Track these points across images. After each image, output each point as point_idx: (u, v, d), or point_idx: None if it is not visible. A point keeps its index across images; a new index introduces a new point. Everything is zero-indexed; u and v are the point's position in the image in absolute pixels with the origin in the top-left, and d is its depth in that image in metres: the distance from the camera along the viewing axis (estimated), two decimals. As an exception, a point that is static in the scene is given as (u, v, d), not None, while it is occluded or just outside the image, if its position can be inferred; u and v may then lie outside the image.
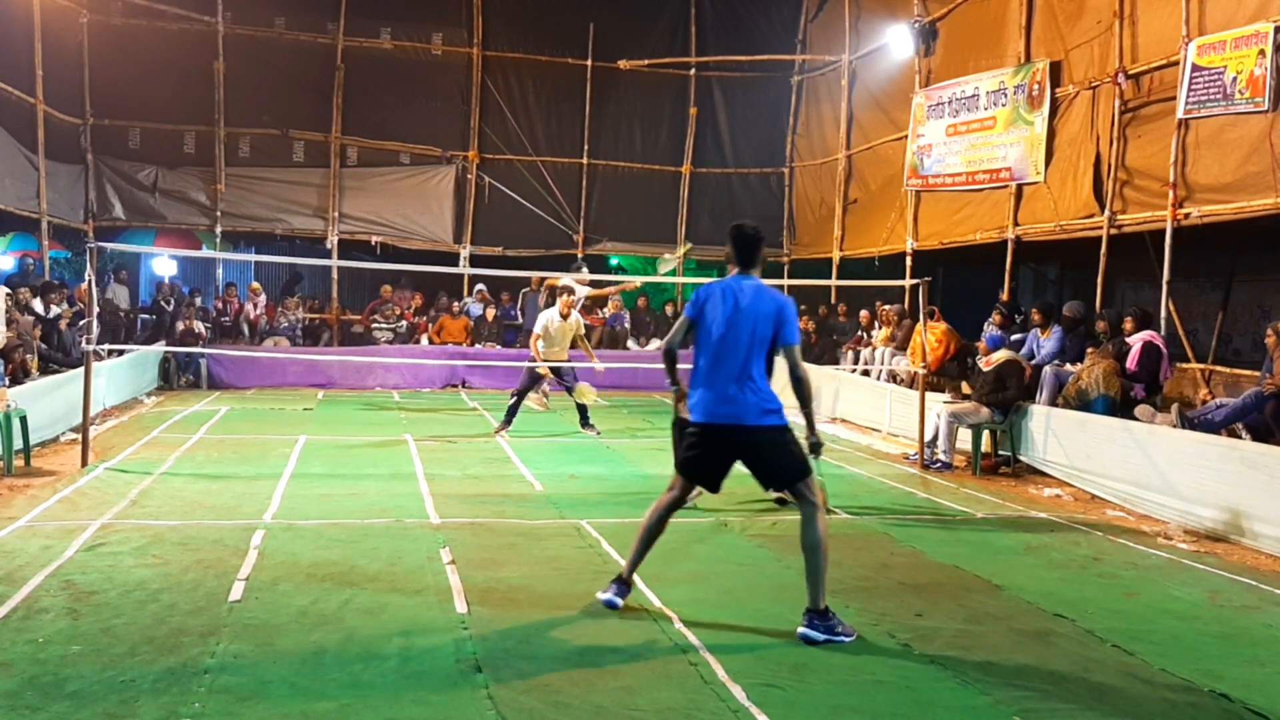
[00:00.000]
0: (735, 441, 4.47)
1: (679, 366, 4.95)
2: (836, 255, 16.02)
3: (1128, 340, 8.82)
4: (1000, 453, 9.28)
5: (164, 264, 18.33)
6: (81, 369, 8.45)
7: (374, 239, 16.60)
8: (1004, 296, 11.67)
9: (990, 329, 9.85)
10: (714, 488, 4.68)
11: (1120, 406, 8.36)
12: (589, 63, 17.19)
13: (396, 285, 16.56)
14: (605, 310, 16.30)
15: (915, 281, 10.57)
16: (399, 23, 16.76)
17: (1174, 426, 7.58)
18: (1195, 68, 9.13)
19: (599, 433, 10.34)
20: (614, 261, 19.72)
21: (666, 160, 17.82)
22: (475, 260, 16.68)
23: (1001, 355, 9.22)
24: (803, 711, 3.66)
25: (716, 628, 4.48)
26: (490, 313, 15.98)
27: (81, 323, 10.39)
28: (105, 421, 10.48)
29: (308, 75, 16.36)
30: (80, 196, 15.47)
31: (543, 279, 10.53)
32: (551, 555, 5.70)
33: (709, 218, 18.00)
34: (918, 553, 6.03)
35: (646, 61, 17.17)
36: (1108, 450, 7.89)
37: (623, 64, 17.11)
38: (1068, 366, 9.32)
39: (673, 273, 9.79)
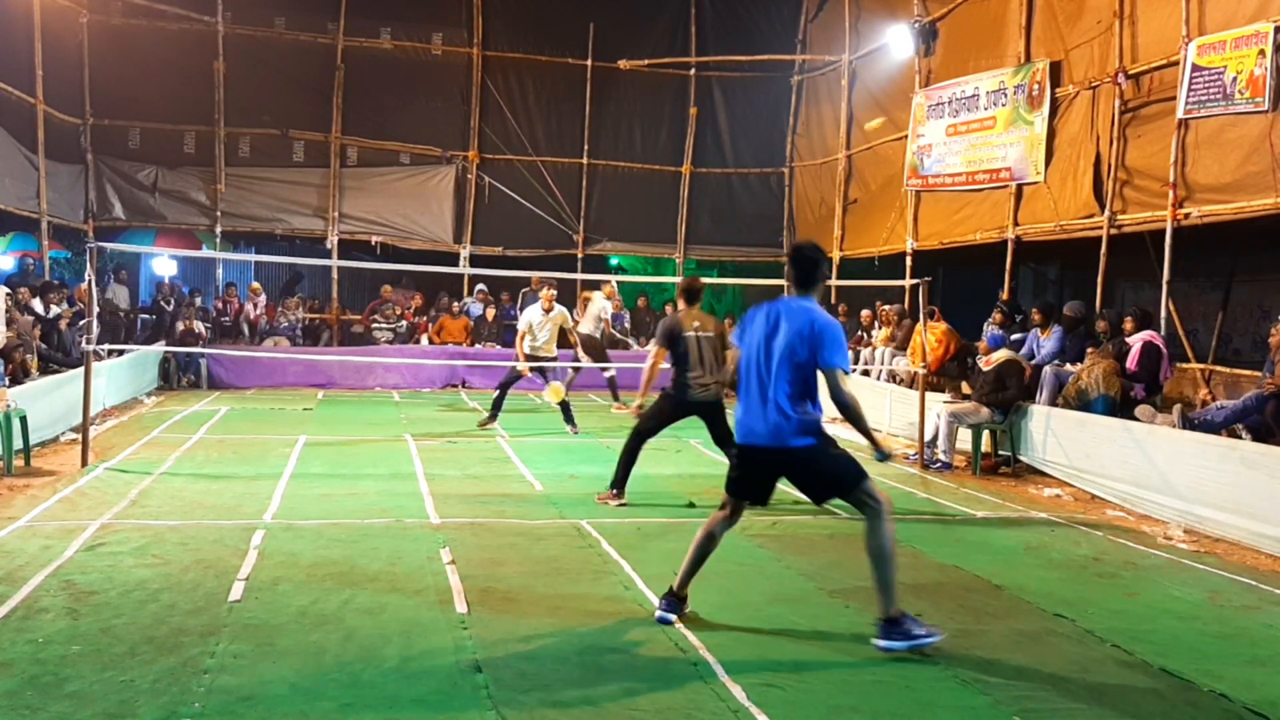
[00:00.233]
0: (773, 461, 4.42)
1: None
2: (836, 255, 16.02)
3: (1128, 340, 8.82)
4: (1000, 453, 9.28)
5: (164, 264, 18.33)
6: (81, 369, 8.45)
7: (374, 239, 16.60)
8: (1004, 296, 11.68)
9: (991, 328, 9.85)
10: (764, 502, 4.62)
11: (1120, 406, 8.36)
12: (589, 63, 17.18)
13: (397, 285, 16.57)
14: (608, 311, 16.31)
15: (915, 281, 10.57)
16: (399, 23, 16.76)
17: (1174, 427, 7.58)
18: (1195, 68, 9.13)
19: (576, 431, 10.40)
20: (614, 261, 19.72)
21: (666, 160, 17.82)
22: (475, 260, 16.68)
23: (1001, 355, 9.22)
24: (803, 711, 3.66)
25: (716, 628, 4.48)
26: (490, 313, 15.99)
27: (81, 323, 10.40)
28: (105, 421, 10.48)
29: (308, 75, 16.36)
30: (80, 196, 15.47)
31: (542, 281, 10.70)
32: (551, 555, 5.70)
33: (709, 218, 18.03)
34: (918, 553, 6.03)
35: (646, 61, 17.17)
36: (1108, 450, 7.89)
37: (623, 64, 17.11)
38: (1068, 366, 9.32)
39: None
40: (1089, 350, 9.26)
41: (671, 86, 17.70)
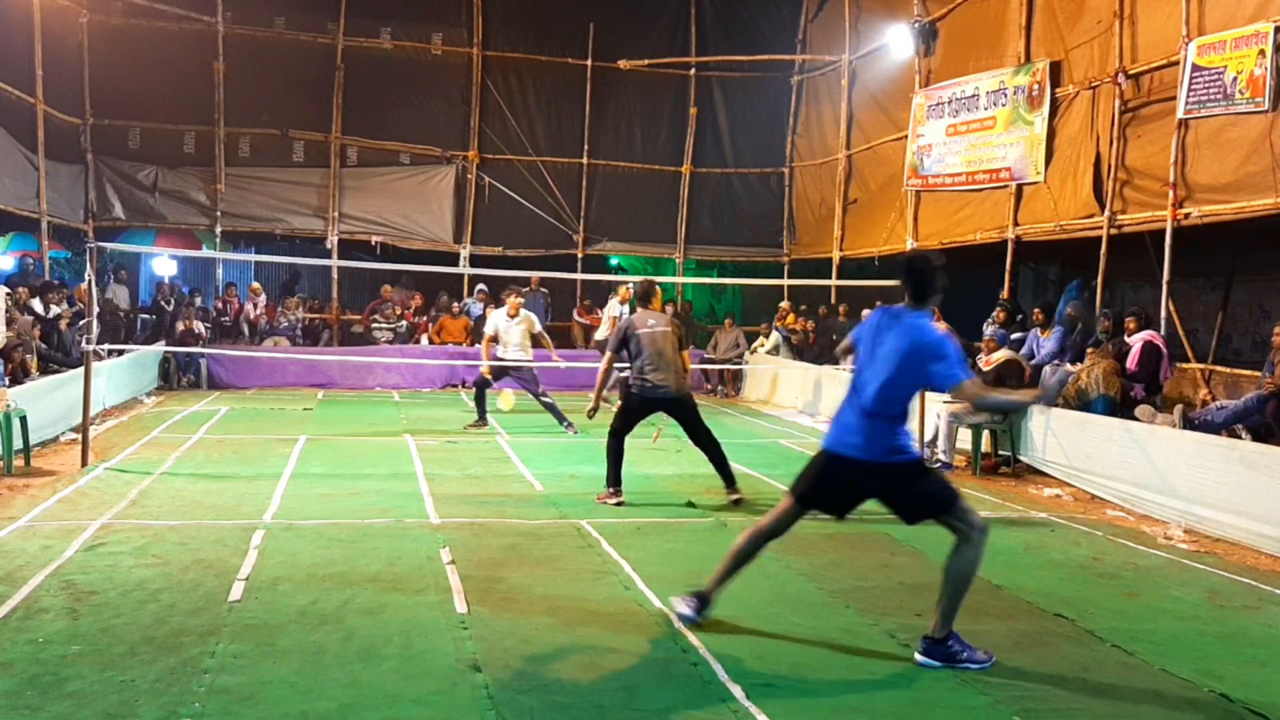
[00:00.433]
0: (862, 475, 4.25)
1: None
2: (836, 255, 16.02)
3: (1128, 340, 8.82)
4: (1000, 453, 9.28)
5: (164, 264, 18.33)
6: (81, 369, 8.45)
7: (374, 239, 16.61)
8: (1004, 295, 11.68)
9: (992, 327, 9.86)
10: (837, 514, 4.46)
11: (1120, 406, 8.36)
12: (589, 63, 17.19)
13: (396, 284, 16.56)
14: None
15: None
16: (399, 23, 16.76)
17: (1175, 427, 7.58)
18: (1195, 68, 9.13)
19: (575, 431, 10.42)
20: (614, 261, 19.73)
21: (666, 160, 17.82)
22: (475, 260, 16.68)
23: (1001, 355, 9.23)
24: (803, 711, 3.66)
25: (716, 628, 4.47)
26: (490, 313, 15.96)
27: (81, 323, 10.40)
28: (105, 421, 10.48)
29: (308, 75, 16.36)
30: (80, 196, 15.47)
31: (513, 289, 11.08)
32: (551, 555, 5.70)
33: (709, 218, 18.04)
34: (918, 553, 6.02)
35: (646, 61, 17.17)
36: (1108, 450, 7.89)
37: (623, 64, 17.11)
38: (1068, 366, 9.32)
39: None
40: (1089, 350, 9.27)
41: (671, 86, 17.70)
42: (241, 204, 16.14)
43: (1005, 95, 12.02)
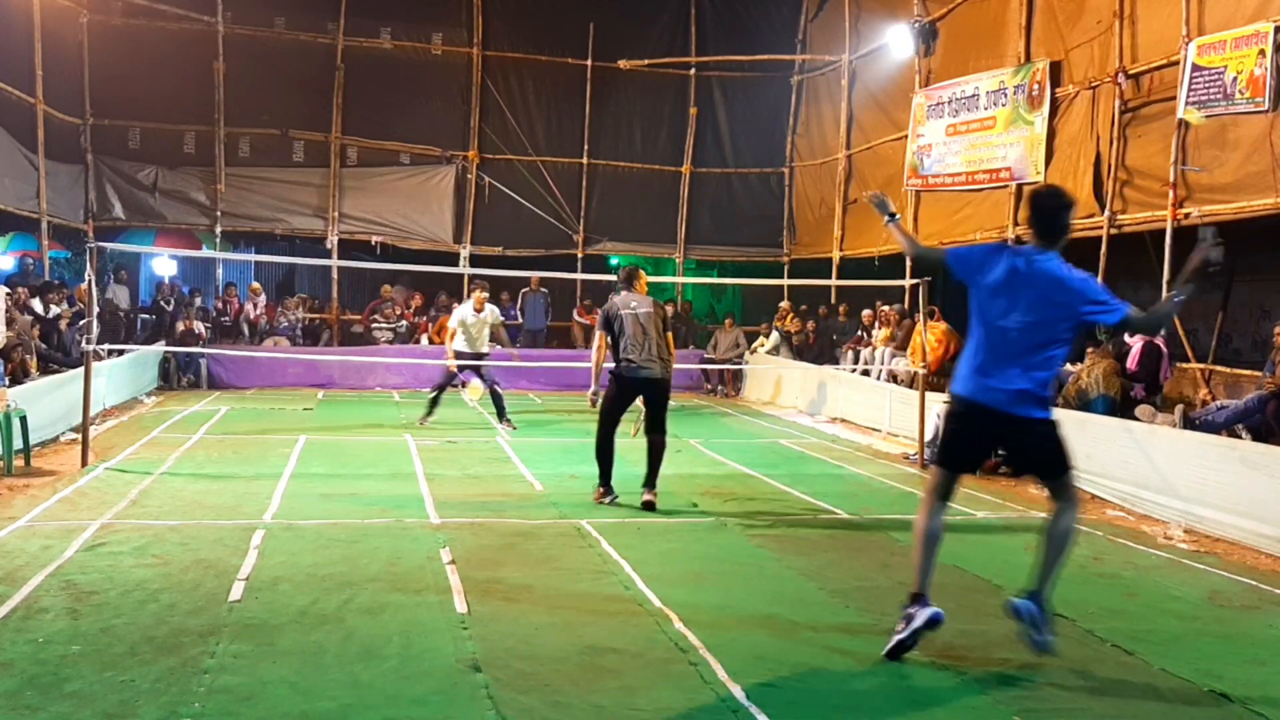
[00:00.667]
0: (1003, 428, 4.09)
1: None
2: (836, 255, 16.03)
3: (1128, 340, 8.82)
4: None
5: (164, 264, 18.33)
6: (81, 369, 8.45)
7: (374, 239, 16.60)
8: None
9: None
10: (972, 469, 4.36)
11: (1120, 406, 8.36)
12: (589, 63, 17.19)
13: (395, 284, 16.55)
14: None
15: (915, 281, 10.57)
16: (399, 23, 16.76)
17: (1175, 427, 7.58)
18: (1195, 68, 9.13)
19: (515, 428, 10.62)
20: (614, 261, 19.72)
21: (666, 160, 17.82)
22: (475, 260, 16.68)
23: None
24: (803, 711, 3.66)
25: (716, 628, 4.47)
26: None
27: (81, 323, 10.40)
28: (105, 421, 10.48)
29: (308, 75, 16.35)
30: (80, 196, 15.47)
31: (477, 283, 11.36)
32: (551, 555, 5.70)
33: (709, 218, 18.03)
34: (918, 553, 6.02)
35: (646, 61, 17.17)
36: (1108, 450, 7.89)
37: (623, 64, 17.11)
38: (1068, 366, 9.31)
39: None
40: (1089, 350, 9.27)
41: (671, 86, 17.70)
42: (241, 204, 16.14)
43: (1005, 95, 12.02)
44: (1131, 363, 8.61)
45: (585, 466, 8.53)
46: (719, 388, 15.69)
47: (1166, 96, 9.63)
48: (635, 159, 17.69)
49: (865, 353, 13.16)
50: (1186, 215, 9.33)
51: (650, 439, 7.09)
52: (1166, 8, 9.69)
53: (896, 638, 4.09)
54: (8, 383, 8.69)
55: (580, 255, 17.25)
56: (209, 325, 14.87)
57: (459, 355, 10.85)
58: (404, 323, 15.77)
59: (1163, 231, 9.58)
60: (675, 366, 7.30)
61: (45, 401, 9.00)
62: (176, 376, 14.15)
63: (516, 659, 4.03)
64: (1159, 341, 8.70)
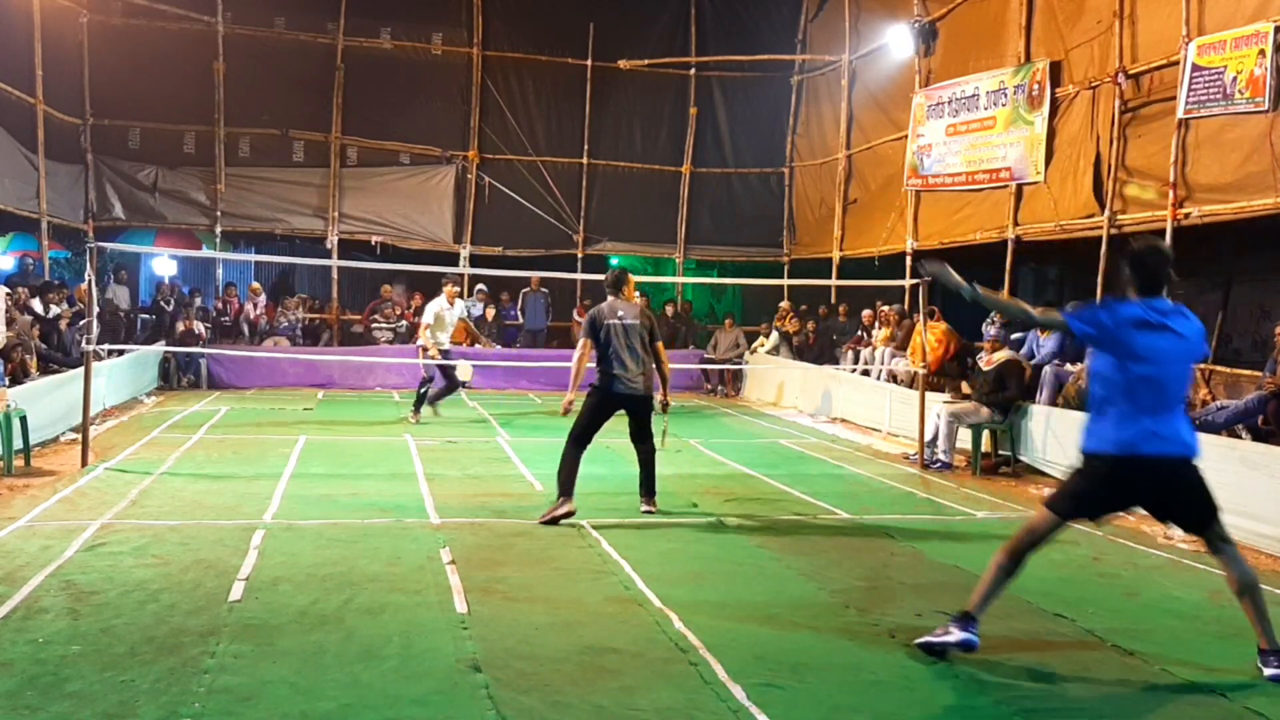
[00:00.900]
0: (1168, 474, 4.09)
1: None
2: (836, 255, 16.02)
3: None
4: (1000, 453, 9.28)
5: (164, 264, 18.33)
6: (81, 369, 8.45)
7: (374, 239, 16.60)
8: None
9: (993, 327, 9.85)
10: (1095, 518, 4.41)
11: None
12: (589, 63, 17.18)
13: (394, 283, 16.55)
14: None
15: (915, 281, 10.57)
16: (399, 23, 16.76)
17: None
18: (1195, 68, 9.13)
19: (418, 421, 10.99)
20: (614, 261, 19.71)
21: (666, 160, 17.82)
22: (475, 260, 16.68)
23: (1001, 355, 9.23)
24: (803, 711, 3.66)
25: (716, 628, 4.47)
26: (490, 313, 15.99)
27: (81, 323, 10.40)
28: (105, 421, 10.48)
29: (308, 75, 16.35)
30: (80, 196, 15.47)
31: (448, 279, 11.70)
32: (551, 555, 5.70)
33: (709, 218, 18.03)
34: (918, 553, 6.03)
35: (646, 61, 17.17)
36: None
37: (623, 64, 17.10)
38: (1068, 366, 9.32)
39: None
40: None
41: (671, 86, 17.69)
42: (241, 204, 16.14)
43: (1005, 95, 12.02)
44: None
45: (585, 466, 8.51)
46: (719, 388, 15.69)
47: (1166, 96, 9.62)
48: (635, 159, 17.69)
49: (865, 353, 13.15)
50: (1186, 215, 9.32)
51: (639, 450, 6.93)
52: (1166, 8, 9.69)
53: (930, 638, 4.23)
54: (8, 383, 8.68)
55: (580, 255, 17.25)
56: (209, 325, 14.87)
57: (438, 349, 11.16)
58: (404, 323, 15.77)
59: (1163, 231, 9.57)
60: (675, 367, 7.22)
61: (45, 401, 9.00)
62: (176, 376, 14.15)
63: (516, 659, 4.03)
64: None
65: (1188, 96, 9.21)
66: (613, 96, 17.49)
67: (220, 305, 15.60)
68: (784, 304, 16.05)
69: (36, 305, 11.47)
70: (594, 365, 6.85)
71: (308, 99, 16.32)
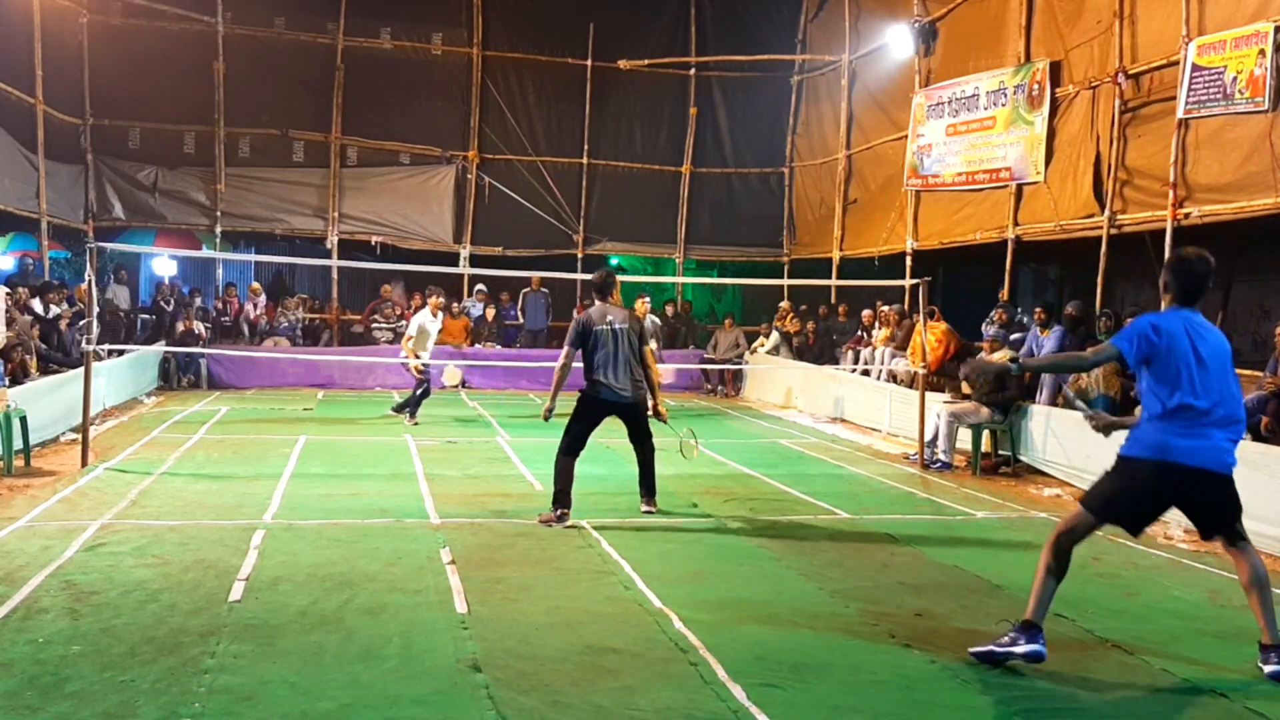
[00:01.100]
0: (1203, 486, 4.14)
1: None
2: (836, 255, 16.02)
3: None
4: (1000, 453, 9.28)
5: (164, 264, 18.32)
6: (81, 369, 8.45)
7: (374, 239, 16.60)
8: (1003, 295, 11.69)
9: (992, 327, 9.85)
10: (1137, 531, 4.41)
11: (1121, 406, 8.35)
12: (589, 63, 17.19)
13: (393, 283, 16.55)
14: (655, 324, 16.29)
15: (915, 281, 10.57)
16: (399, 23, 16.76)
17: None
18: (1195, 68, 9.13)
19: (416, 423, 10.87)
20: (614, 261, 19.73)
21: (666, 160, 17.82)
22: (475, 260, 16.68)
23: (1002, 355, 9.23)
24: (803, 711, 3.66)
25: (716, 628, 4.47)
26: (490, 313, 15.99)
27: (81, 323, 10.39)
28: (105, 421, 10.48)
29: (308, 75, 16.36)
30: (80, 196, 15.47)
31: (434, 289, 11.68)
32: (551, 555, 5.70)
33: (709, 218, 18.03)
34: (918, 553, 6.03)
35: (646, 61, 17.17)
36: (1108, 450, 7.83)
37: (623, 64, 17.11)
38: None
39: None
40: (1089, 350, 9.26)
41: (671, 86, 17.70)
42: (241, 204, 16.14)
43: (1005, 95, 12.02)
44: (1133, 363, 8.60)
45: (585, 466, 8.50)
46: (719, 388, 15.68)
47: (1166, 96, 9.63)
48: (635, 159, 17.69)
49: (865, 353, 13.15)
50: (1186, 215, 9.33)
51: (638, 451, 6.89)
52: (1166, 8, 9.69)
53: (991, 647, 4.15)
54: (8, 383, 8.68)
55: (580, 255, 17.25)
56: (209, 325, 14.86)
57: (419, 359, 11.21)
58: (404, 323, 15.76)
59: (1163, 231, 9.58)
60: (675, 367, 7.20)
61: (45, 401, 9.00)
62: (176, 377, 14.16)
63: (516, 659, 4.03)
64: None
65: (1188, 96, 9.21)
66: (613, 96, 17.50)
67: (220, 305, 15.60)
68: (784, 304, 16.05)
69: (36, 305, 11.47)
70: (580, 366, 6.74)
71: (308, 99, 16.33)
